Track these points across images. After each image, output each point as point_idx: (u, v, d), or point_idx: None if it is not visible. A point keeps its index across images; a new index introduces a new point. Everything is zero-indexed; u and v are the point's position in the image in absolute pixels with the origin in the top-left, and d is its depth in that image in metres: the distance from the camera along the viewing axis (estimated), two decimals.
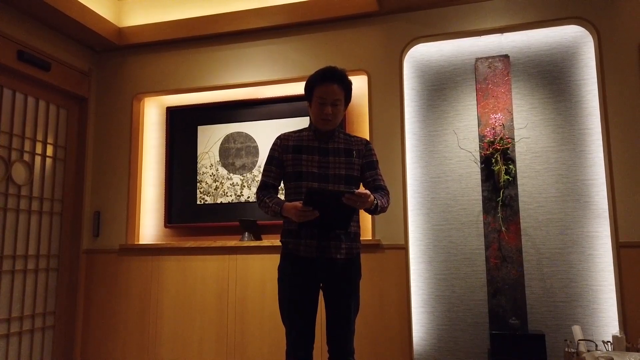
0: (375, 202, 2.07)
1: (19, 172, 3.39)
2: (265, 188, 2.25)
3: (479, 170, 3.23)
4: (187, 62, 3.80)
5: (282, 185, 2.30)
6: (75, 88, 3.77)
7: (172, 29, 3.76)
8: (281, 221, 2.24)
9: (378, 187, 2.23)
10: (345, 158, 2.21)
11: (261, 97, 3.69)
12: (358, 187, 2.26)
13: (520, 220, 3.11)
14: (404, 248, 3.19)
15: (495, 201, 3.12)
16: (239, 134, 3.71)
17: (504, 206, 3.09)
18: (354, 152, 2.23)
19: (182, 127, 3.84)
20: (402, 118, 3.31)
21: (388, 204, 2.20)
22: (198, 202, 3.71)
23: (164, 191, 3.80)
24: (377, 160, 2.30)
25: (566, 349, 2.68)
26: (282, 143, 2.25)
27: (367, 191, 2.03)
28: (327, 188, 2.13)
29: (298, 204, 2.01)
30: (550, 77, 3.23)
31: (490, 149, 3.12)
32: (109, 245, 3.74)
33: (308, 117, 2.34)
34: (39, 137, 3.55)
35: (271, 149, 2.29)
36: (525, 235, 3.13)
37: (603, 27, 3.07)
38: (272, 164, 2.26)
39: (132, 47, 3.92)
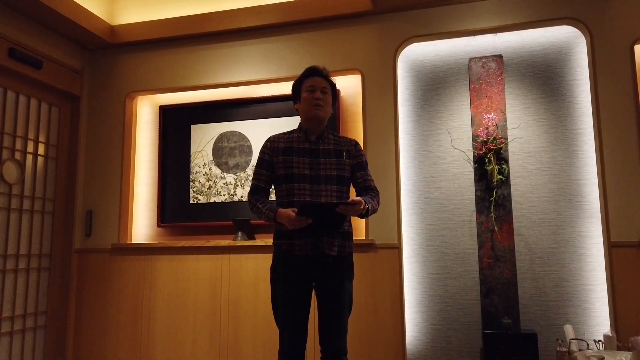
0: (367, 206, 2.09)
1: (10, 171, 3.36)
2: (257, 192, 2.25)
3: (472, 170, 3.23)
4: (181, 60, 3.78)
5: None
6: (68, 86, 3.74)
7: (165, 27, 3.74)
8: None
9: (368, 188, 2.26)
10: (336, 159, 2.22)
11: (255, 96, 3.68)
12: (349, 188, 2.29)
13: (513, 220, 3.12)
14: (398, 247, 3.19)
15: (488, 201, 3.12)
16: (233, 132, 3.70)
17: (497, 206, 3.10)
18: (344, 153, 2.25)
19: (175, 126, 3.82)
20: (395, 117, 3.31)
21: (378, 205, 2.22)
22: (191, 202, 3.70)
23: (156, 190, 3.78)
24: (366, 161, 2.33)
25: (558, 348, 2.70)
26: (273, 145, 2.26)
27: (359, 198, 2.05)
28: (319, 201, 2.15)
29: (291, 213, 2.03)
30: (544, 77, 3.24)
31: (484, 149, 3.13)
32: (101, 245, 3.72)
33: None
34: (31, 135, 3.52)
35: (261, 151, 2.29)
36: (518, 235, 3.14)
37: (596, 27, 3.08)
38: (262, 167, 2.26)
39: (125, 46, 3.89)
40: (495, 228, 3.08)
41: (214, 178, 3.69)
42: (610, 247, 2.90)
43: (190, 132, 3.78)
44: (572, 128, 3.16)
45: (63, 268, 3.71)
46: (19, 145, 3.43)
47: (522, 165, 3.20)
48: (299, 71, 2.36)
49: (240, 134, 3.69)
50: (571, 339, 2.65)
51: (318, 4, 3.44)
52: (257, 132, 3.63)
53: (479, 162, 3.17)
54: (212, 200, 3.66)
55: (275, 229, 2.24)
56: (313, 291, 2.22)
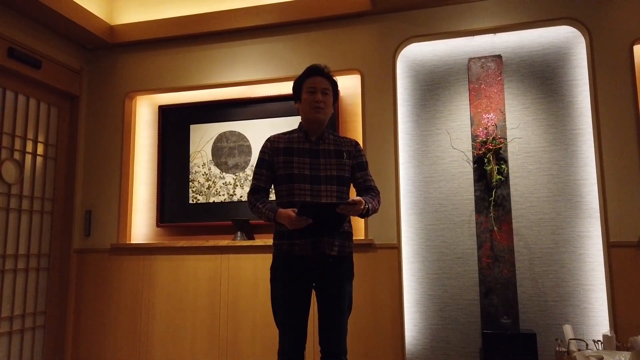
0: (367, 206, 2.09)
1: (9, 171, 3.36)
2: (257, 192, 2.25)
3: (472, 170, 3.24)
4: (180, 60, 3.78)
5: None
6: (67, 86, 3.74)
7: (164, 27, 3.74)
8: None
9: (368, 188, 2.26)
10: (336, 159, 2.22)
11: (254, 96, 3.68)
12: (349, 188, 2.28)
13: (513, 220, 3.12)
14: (397, 247, 3.19)
15: (487, 201, 3.13)
16: (232, 132, 3.70)
17: (496, 206, 3.11)
18: (344, 154, 2.25)
19: (175, 125, 3.82)
20: (395, 118, 3.31)
21: (379, 205, 2.22)
22: (190, 202, 3.70)
23: (156, 190, 3.78)
24: (366, 161, 2.32)
25: (557, 348, 2.70)
26: (273, 145, 2.25)
27: (359, 198, 2.05)
28: (320, 201, 2.14)
29: (292, 213, 2.02)
30: (543, 77, 3.24)
31: (483, 149, 3.13)
32: (100, 245, 3.72)
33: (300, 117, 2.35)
34: (30, 135, 3.52)
35: (261, 151, 2.28)
36: (517, 235, 3.14)
37: (595, 27, 3.09)
38: (262, 167, 2.25)
39: (124, 45, 3.89)
40: (495, 228, 3.08)
41: (213, 178, 3.68)
42: (609, 247, 2.90)
43: (189, 132, 3.78)
44: (571, 128, 3.17)
45: (62, 268, 3.70)
46: (18, 145, 3.43)
47: (521, 165, 3.20)
48: (298, 71, 2.36)
49: (239, 134, 3.68)
50: (570, 339, 2.65)
51: (318, 4, 3.45)
52: (257, 132, 3.63)
53: (478, 162, 3.18)
54: (211, 200, 3.66)
55: (275, 229, 2.24)
56: (313, 291, 2.22)
